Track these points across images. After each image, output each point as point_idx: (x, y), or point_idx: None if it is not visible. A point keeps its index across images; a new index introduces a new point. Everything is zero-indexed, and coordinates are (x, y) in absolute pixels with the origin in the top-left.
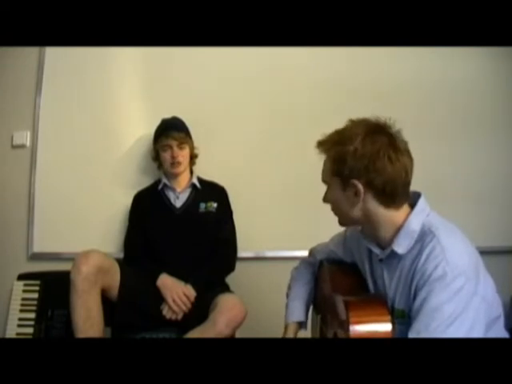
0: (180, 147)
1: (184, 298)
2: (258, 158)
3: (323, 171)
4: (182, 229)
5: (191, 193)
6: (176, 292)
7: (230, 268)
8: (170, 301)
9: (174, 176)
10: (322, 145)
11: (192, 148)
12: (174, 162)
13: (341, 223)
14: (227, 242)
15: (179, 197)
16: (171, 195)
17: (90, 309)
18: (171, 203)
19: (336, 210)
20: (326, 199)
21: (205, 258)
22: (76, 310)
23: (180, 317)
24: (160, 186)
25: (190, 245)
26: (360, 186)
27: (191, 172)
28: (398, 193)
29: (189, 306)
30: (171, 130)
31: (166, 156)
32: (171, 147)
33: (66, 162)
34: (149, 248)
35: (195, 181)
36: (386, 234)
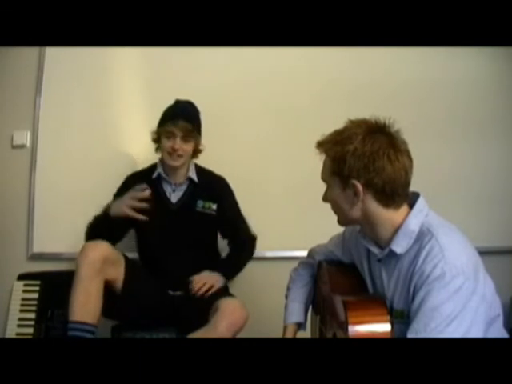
0: (184, 139)
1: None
2: (258, 158)
3: (323, 171)
4: (177, 226)
5: (188, 187)
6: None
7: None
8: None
9: (170, 168)
10: (322, 145)
11: (198, 143)
12: (174, 154)
13: (340, 223)
14: (244, 243)
15: (175, 190)
16: (167, 188)
17: (88, 294)
18: (167, 197)
19: (336, 209)
20: (325, 198)
21: (199, 260)
22: (75, 293)
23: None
24: (155, 175)
25: (184, 244)
26: (359, 186)
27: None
28: (398, 193)
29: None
30: (180, 118)
31: (167, 144)
32: (175, 136)
33: (66, 162)
34: (141, 243)
35: (193, 175)
36: (385, 233)
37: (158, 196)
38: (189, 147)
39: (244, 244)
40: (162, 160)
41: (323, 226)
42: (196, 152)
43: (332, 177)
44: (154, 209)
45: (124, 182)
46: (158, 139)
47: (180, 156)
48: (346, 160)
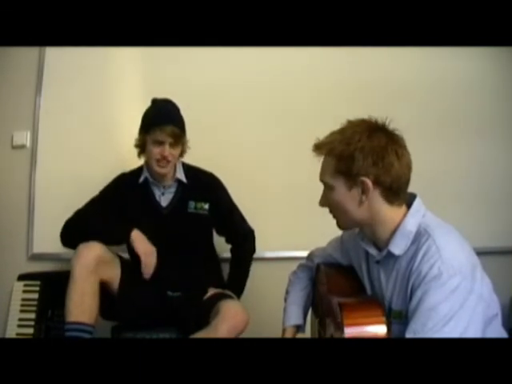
0: (173, 146)
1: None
2: (257, 157)
3: (322, 172)
4: (170, 230)
5: (178, 189)
6: (150, 256)
7: (253, 252)
8: (143, 257)
9: (158, 174)
10: (322, 146)
11: (185, 144)
12: (162, 161)
13: (341, 226)
14: (244, 236)
15: (165, 193)
16: (156, 191)
17: (83, 294)
18: (156, 201)
19: (338, 211)
20: (323, 202)
21: (196, 261)
22: (70, 294)
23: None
24: (141, 179)
25: (179, 247)
26: (369, 183)
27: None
28: (403, 189)
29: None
30: (168, 124)
31: (155, 151)
32: (164, 144)
33: (66, 162)
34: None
35: (181, 175)
36: (384, 234)
37: (148, 200)
38: (177, 151)
39: (244, 237)
40: (147, 165)
41: (323, 227)
42: (182, 152)
43: (336, 177)
44: (145, 214)
45: (113, 182)
46: (142, 145)
47: (169, 162)
48: (354, 157)
